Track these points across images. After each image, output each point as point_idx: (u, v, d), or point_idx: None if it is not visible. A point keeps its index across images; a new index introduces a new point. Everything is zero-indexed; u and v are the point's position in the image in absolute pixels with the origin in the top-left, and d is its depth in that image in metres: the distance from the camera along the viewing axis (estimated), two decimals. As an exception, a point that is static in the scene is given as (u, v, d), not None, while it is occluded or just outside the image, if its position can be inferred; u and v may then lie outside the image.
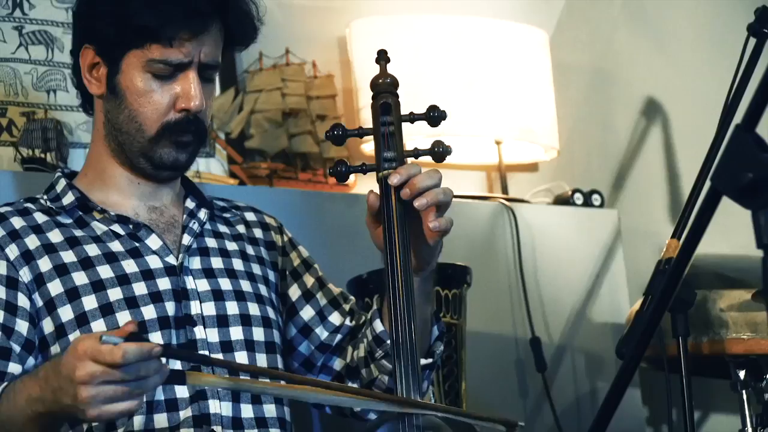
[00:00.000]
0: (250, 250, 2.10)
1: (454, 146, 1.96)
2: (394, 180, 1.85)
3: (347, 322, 2.12)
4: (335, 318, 2.12)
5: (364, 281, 2.51)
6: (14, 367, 1.88)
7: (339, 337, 2.11)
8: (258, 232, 2.14)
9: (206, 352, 1.93)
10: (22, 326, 1.90)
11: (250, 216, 2.17)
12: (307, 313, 2.11)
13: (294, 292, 2.12)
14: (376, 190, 1.90)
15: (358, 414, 2.07)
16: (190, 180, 2.14)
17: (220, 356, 1.94)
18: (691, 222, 1.32)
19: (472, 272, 2.64)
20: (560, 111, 3.27)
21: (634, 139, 3.59)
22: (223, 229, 2.10)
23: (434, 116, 1.93)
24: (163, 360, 1.63)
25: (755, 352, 2.73)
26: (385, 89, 1.95)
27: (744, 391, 2.77)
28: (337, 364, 2.11)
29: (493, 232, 3.00)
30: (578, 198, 3.19)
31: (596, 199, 3.21)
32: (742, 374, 2.78)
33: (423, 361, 1.97)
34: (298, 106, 2.99)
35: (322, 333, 2.11)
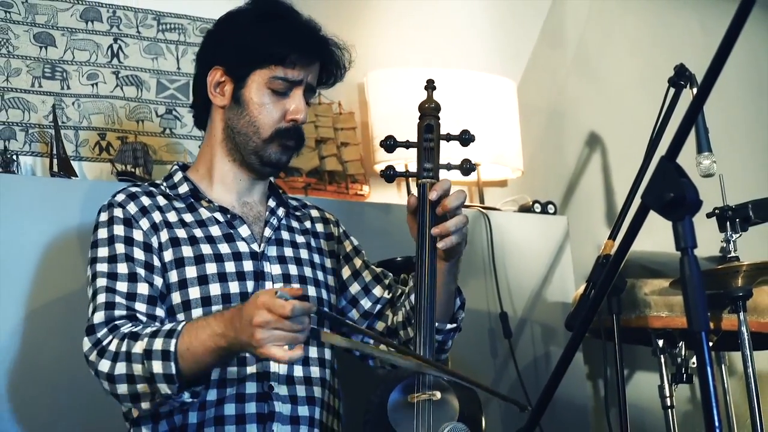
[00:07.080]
0: (313, 242, 2.07)
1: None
2: (433, 195, 1.86)
3: (386, 294, 2.08)
4: (378, 291, 2.08)
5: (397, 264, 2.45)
6: (160, 311, 1.86)
7: (379, 306, 2.07)
8: (320, 227, 2.11)
9: None
10: (157, 281, 1.88)
11: (314, 213, 2.14)
12: (354, 288, 2.08)
13: (345, 272, 2.09)
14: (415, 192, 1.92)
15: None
16: (274, 184, 2.11)
17: None
18: (625, 228, 1.32)
19: (456, 262, 2.64)
20: (524, 141, 3.27)
21: (580, 163, 3.59)
22: (295, 224, 2.07)
23: (466, 138, 1.96)
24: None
25: (671, 326, 2.74)
26: (430, 112, 1.96)
27: (662, 356, 2.78)
28: (379, 326, 2.07)
29: (472, 233, 2.99)
30: (537, 207, 3.18)
31: (551, 208, 3.21)
32: (660, 343, 2.79)
33: (449, 326, 1.97)
34: (327, 135, 2.98)
35: (366, 303, 2.07)
